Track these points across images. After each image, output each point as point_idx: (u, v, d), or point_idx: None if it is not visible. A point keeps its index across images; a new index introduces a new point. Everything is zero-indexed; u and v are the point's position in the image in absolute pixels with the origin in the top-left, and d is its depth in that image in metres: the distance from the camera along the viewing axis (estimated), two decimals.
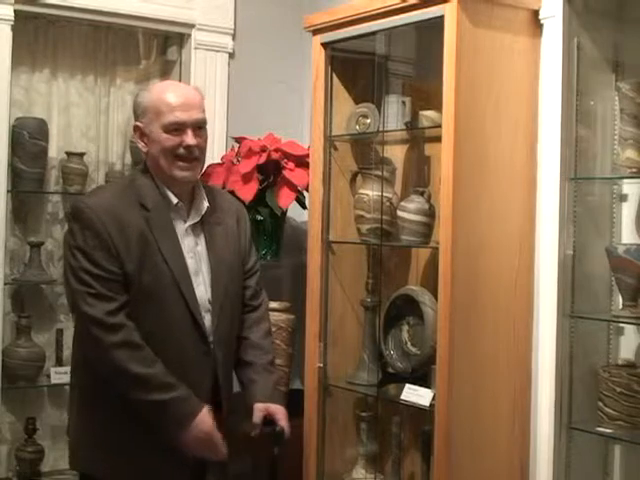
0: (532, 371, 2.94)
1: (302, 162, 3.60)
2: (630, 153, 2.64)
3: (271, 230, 3.73)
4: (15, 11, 3.56)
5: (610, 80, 2.87)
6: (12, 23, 3.56)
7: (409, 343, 3.21)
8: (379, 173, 3.20)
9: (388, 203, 3.19)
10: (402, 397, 3.03)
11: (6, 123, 3.60)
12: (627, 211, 2.87)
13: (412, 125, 3.13)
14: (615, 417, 2.66)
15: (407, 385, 3.04)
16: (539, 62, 2.92)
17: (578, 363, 2.84)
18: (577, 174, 2.83)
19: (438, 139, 2.87)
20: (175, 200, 2.57)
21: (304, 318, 3.39)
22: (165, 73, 4.14)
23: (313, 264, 3.34)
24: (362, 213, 3.25)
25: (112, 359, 2.42)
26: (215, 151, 3.84)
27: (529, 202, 2.94)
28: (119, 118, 4.11)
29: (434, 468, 2.88)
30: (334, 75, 3.35)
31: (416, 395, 2.98)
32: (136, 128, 2.59)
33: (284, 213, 3.75)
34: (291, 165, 3.63)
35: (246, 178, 3.59)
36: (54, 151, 3.95)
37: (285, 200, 3.63)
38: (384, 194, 3.18)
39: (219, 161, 3.76)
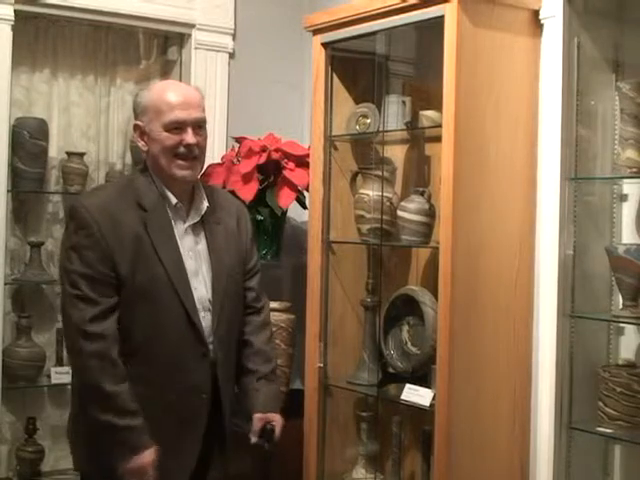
0: (532, 371, 2.94)
1: (302, 162, 3.60)
2: (630, 153, 2.64)
3: (271, 230, 3.73)
4: (15, 11, 3.56)
5: (610, 80, 2.87)
6: (12, 23, 3.56)
7: (409, 343, 3.21)
8: (379, 173, 3.20)
9: (388, 203, 3.19)
10: (402, 397, 3.03)
11: (6, 123, 3.60)
12: (627, 211, 2.87)
13: (412, 125, 3.13)
14: (615, 417, 2.66)
15: (407, 385, 3.04)
16: (539, 62, 2.92)
17: (578, 363, 2.84)
18: (577, 174, 2.83)
19: (438, 139, 2.87)
20: (174, 200, 2.57)
21: (304, 318, 3.39)
22: (165, 73, 4.14)
23: (313, 264, 3.34)
24: (362, 213, 3.25)
25: (83, 367, 2.45)
26: (215, 151, 3.84)
27: (529, 202, 2.94)
28: (119, 118, 4.11)
29: (434, 468, 2.88)
30: (334, 75, 3.35)
31: (416, 395, 2.98)
32: (136, 127, 2.58)
33: (284, 213, 3.75)
34: (291, 165, 3.63)
35: (246, 178, 3.59)
36: (54, 151, 3.95)
37: (285, 200, 3.63)
38: (384, 194, 3.18)
39: (219, 161, 3.76)
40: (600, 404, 2.70)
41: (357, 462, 3.38)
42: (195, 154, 2.56)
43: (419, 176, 3.35)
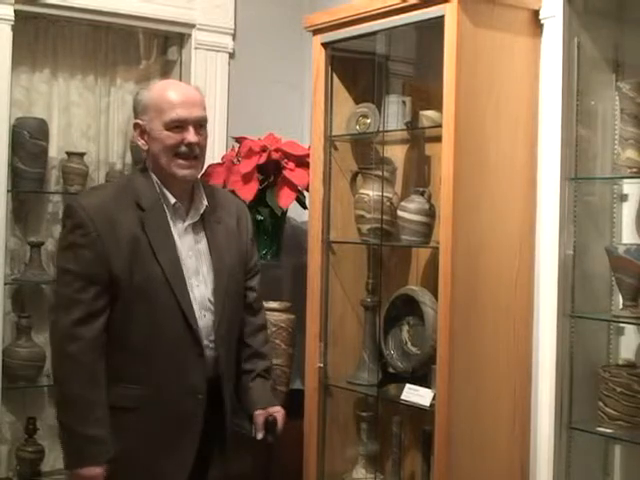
0: (532, 371, 2.94)
1: (302, 162, 3.60)
2: (630, 153, 2.64)
3: (271, 230, 3.73)
4: (15, 11, 3.56)
5: (610, 80, 2.87)
6: (12, 23, 3.56)
7: (409, 343, 3.21)
8: (379, 173, 3.20)
9: (388, 203, 3.19)
10: (402, 397, 3.03)
11: (6, 123, 3.60)
12: (627, 211, 2.87)
13: (412, 125, 3.13)
14: (615, 417, 2.66)
15: (407, 385, 3.04)
16: (539, 62, 2.92)
17: (578, 363, 2.84)
18: (577, 174, 2.83)
19: (438, 139, 2.87)
20: (173, 200, 2.57)
21: (304, 318, 3.39)
22: (165, 73, 4.14)
23: (313, 264, 3.34)
24: (362, 213, 3.25)
25: (57, 366, 2.49)
26: (215, 151, 3.84)
27: (529, 202, 2.94)
28: (119, 118, 4.11)
29: (434, 468, 2.88)
30: (334, 75, 3.35)
31: (416, 395, 2.98)
32: (136, 126, 2.58)
33: (284, 213, 3.75)
34: (291, 165, 3.63)
35: (246, 178, 3.59)
36: (54, 151, 3.95)
37: (285, 200, 3.63)
38: (384, 194, 3.18)
39: (219, 161, 3.77)
40: (600, 404, 2.70)
41: (357, 462, 3.38)
42: (196, 153, 2.56)
43: (419, 176, 3.35)
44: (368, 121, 3.25)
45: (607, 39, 2.86)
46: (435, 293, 2.89)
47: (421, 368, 3.05)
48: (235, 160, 3.68)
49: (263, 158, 3.62)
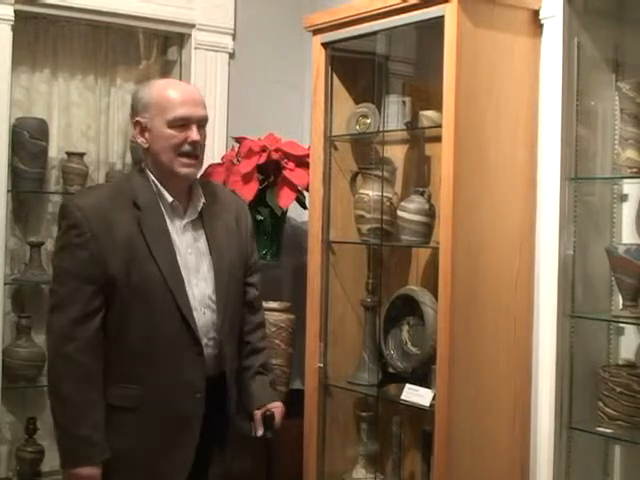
0: (532, 371, 2.94)
1: (302, 162, 3.60)
2: (630, 153, 2.64)
3: (271, 230, 3.73)
4: (15, 11, 3.56)
5: (610, 80, 2.87)
6: (12, 23, 3.56)
7: (409, 343, 3.21)
8: (379, 173, 3.20)
9: (388, 203, 3.19)
10: (402, 397, 3.03)
11: (6, 123, 3.60)
12: (627, 211, 2.87)
13: (412, 125, 3.13)
14: (615, 417, 2.66)
15: (407, 385, 3.04)
16: (539, 62, 2.92)
17: (578, 363, 2.84)
18: (577, 174, 2.83)
19: (438, 139, 2.87)
20: (170, 198, 2.56)
21: (304, 318, 3.39)
22: (165, 73, 4.14)
23: (313, 264, 3.34)
24: (362, 213, 3.25)
25: (51, 366, 2.48)
26: (215, 151, 3.84)
27: (529, 202, 2.94)
28: (119, 118, 4.11)
29: (434, 468, 2.88)
30: (334, 75, 3.35)
31: (416, 395, 2.98)
32: (137, 124, 2.56)
33: (284, 213, 3.75)
34: (291, 165, 3.63)
35: (246, 178, 3.59)
36: (54, 151, 3.95)
37: (285, 200, 3.63)
38: (384, 194, 3.18)
39: (219, 161, 3.76)
40: (600, 404, 2.70)
41: (357, 462, 3.38)
42: (198, 152, 2.56)
43: (419, 176, 3.35)
44: (368, 121, 3.25)
45: (607, 39, 2.86)
46: (435, 293, 2.89)
47: (421, 368, 3.05)
48: (235, 160, 3.68)
49: (263, 158, 3.62)
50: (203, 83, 3.90)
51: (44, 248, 3.89)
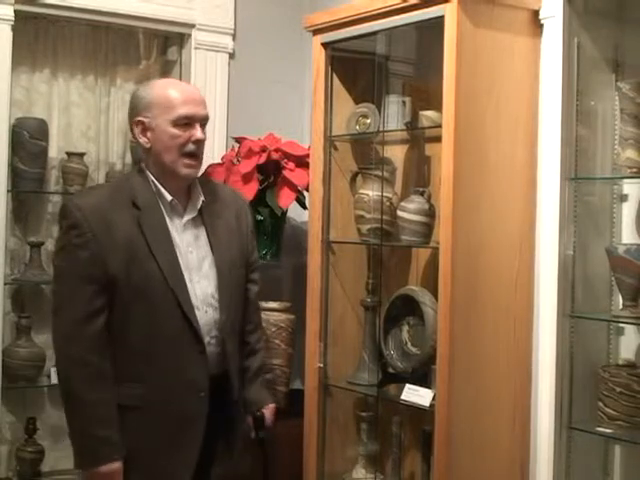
0: (532, 371, 2.94)
1: (302, 162, 3.60)
2: (630, 153, 2.64)
3: (271, 230, 3.73)
4: (15, 11, 3.56)
5: (610, 80, 2.87)
6: (12, 23, 3.56)
7: (409, 343, 3.21)
8: (379, 173, 3.20)
9: (388, 203, 3.19)
10: (402, 397, 3.03)
11: (6, 123, 3.60)
12: (627, 211, 2.87)
13: (412, 125, 3.13)
14: (615, 417, 2.66)
15: (407, 385, 3.04)
16: (539, 62, 2.92)
17: (578, 363, 2.84)
18: (577, 174, 2.83)
19: (438, 139, 2.87)
20: (169, 197, 2.56)
21: (304, 318, 3.39)
22: (165, 73, 4.14)
23: (313, 264, 3.34)
24: (362, 213, 3.25)
25: (63, 369, 2.48)
26: (215, 151, 3.84)
27: (529, 202, 2.94)
28: (119, 118, 4.10)
29: (434, 468, 2.88)
30: (334, 75, 3.35)
31: (416, 395, 2.98)
32: (138, 123, 2.56)
33: (284, 213, 3.75)
34: (291, 165, 3.63)
35: (246, 178, 3.59)
36: (54, 151, 3.95)
37: (285, 200, 3.63)
38: (384, 194, 3.18)
39: (219, 161, 3.76)
40: (600, 404, 2.70)
41: (357, 462, 3.38)
42: (201, 151, 2.57)
43: (419, 176, 3.35)
44: (368, 121, 3.25)
45: (607, 39, 2.86)
46: (435, 293, 2.89)
47: (421, 368, 3.05)
48: (235, 160, 3.68)
49: (263, 158, 3.62)
50: (203, 83, 3.90)
51: (44, 248, 3.89)
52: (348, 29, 3.18)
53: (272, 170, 3.65)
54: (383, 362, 3.24)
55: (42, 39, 3.93)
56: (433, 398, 2.89)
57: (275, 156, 3.63)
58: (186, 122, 2.52)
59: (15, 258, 3.88)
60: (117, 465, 2.45)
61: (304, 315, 3.39)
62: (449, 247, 2.77)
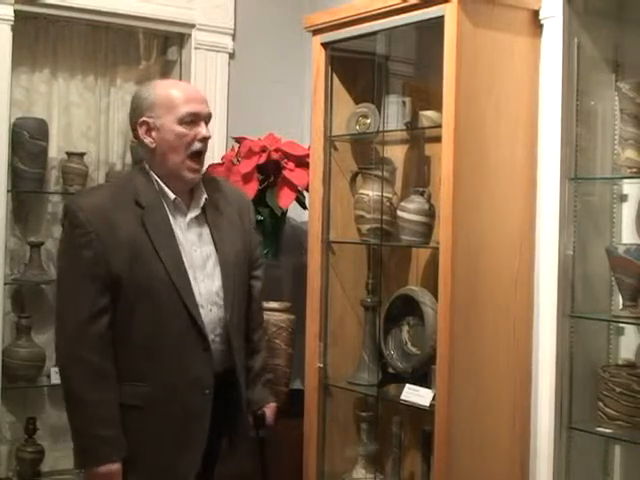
0: (532, 371, 2.94)
1: (302, 162, 3.60)
2: (630, 153, 2.64)
3: (271, 230, 3.73)
4: (15, 11, 3.56)
5: (610, 80, 2.87)
6: (12, 23, 3.56)
7: (409, 343, 3.21)
8: (379, 173, 3.20)
9: (388, 203, 3.19)
10: (402, 397, 3.03)
11: (6, 123, 3.60)
12: (627, 211, 2.87)
13: (412, 125, 3.13)
14: (615, 417, 2.66)
15: (407, 385, 3.04)
16: (539, 62, 2.92)
17: (578, 363, 2.84)
18: (577, 174, 2.83)
19: (438, 139, 2.87)
20: (172, 196, 2.57)
21: (304, 318, 3.39)
22: (165, 73, 4.14)
23: (313, 264, 3.34)
24: (362, 213, 3.25)
25: (67, 367, 2.48)
26: (215, 151, 3.84)
27: (529, 202, 2.94)
28: (119, 118, 4.11)
29: (434, 468, 2.88)
30: (334, 75, 3.35)
31: (416, 395, 2.98)
32: (142, 123, 2.56)
33: (284, 213, 3.75)
34: (291, 165, 3.63)
35: (246, 178, 3.59)
36: (54, 151, 3.95)
37: (285, 200, 3.63)
38: (384, 194, 3.18)
39: (219, 161, 3.77)
40: (600, 404, 2.70)
41: (357, 462, 3.38)
42: (206, 150, 2.58)
43: (419, 176, 3.35)
44: (368, 121, 3.25)
45: (607, 39, 2.86)
46: (435, 293, 2.89)
47: (421, 368, 3.05)
48: (235, 160, 3.68)
49: (263, 158, 3.62)
50: (203, 83, 3.90)
51: (44, 248, 3.89)
52: (348, 29, 3.18)
53: (272, 170, 3.65)
54: (383, 362, 3.24)
55: (42, 39, 3.93)
56: (433, 398, 2.89)
57: (275, 156, 3.63)
58: (192, 120, 2.53)
59: (15, 258, 3.88)
60: (116, 466, 2.45)
61: (304, 315, 3.39)
62: (449, 247, 2.77)
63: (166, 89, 2.57)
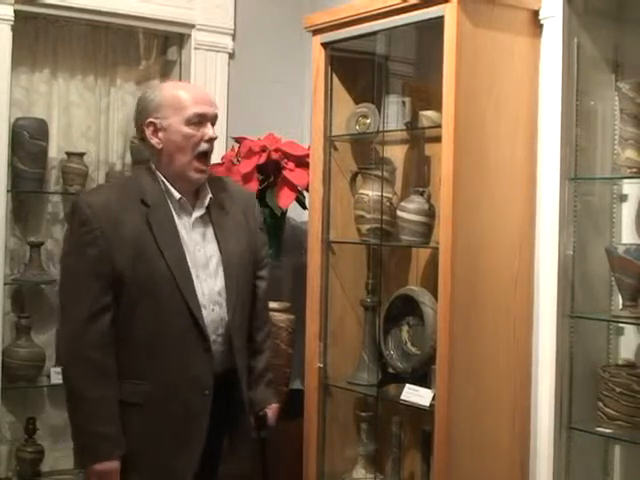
0: (532, 371, 2.94)
1: (302, 162, 3.60)
2: (630, 153, 2.65)
3: (271, 230, 3.72)
4: (15, 11, 3.56)
5: (610, 80, 2.87)
6: (12, 23, 3.56)
7: (409, 343, 3.21)
8: (379, 173, 3.20)
9: (388, 203, 3.19)
10: (402, 397, 3.03)
11: (6, 123, 3.60)
12: (627, 211, 2.87)
13: (412, 125, 3.13)
14: (615, 417, 2.66)
15: (407, 385, 3.04)
16: (539, 62, 2.92)
17: (578, 363, 2.84)
18: (577, 174, 2.83)
19: (438, 139, 2.87)
20: (178, 195, 2.58)
21: (304, 318, 3.39)
22: (165, 73, 4.14)
23: (313, 264, 3.34)
24: (362, 213, 3.25)
25: (68, 364, 2.48)
26: (215, 151, 3.82)
27: (529, 202, 2.94)
28: (119, 118, 4.11)
29: (434, 468, 2.88)
30: (334, 75, 3.35)
31: (416, 395, 2.98)
32: (149, 124, 2.56)
33: (284, 213, 3.75)
34: (291, 165, 3.63)
35: (246, 178, 3.59)
36: (54, 151, 3.95)
37: (285, 200, 3.63)
38: (384, 194, 3.18)
39: (219, 161, 3.76)
40: (600, 404, 2.71)
41: (357, 462, 3.38)
42: (212, 151, 2.59)
43: (419, 176, 3.35)
44: (368, 121, 3.25)
45: (607, 39, 2.86)
46: (435, 293, 2.89)
47: (421, 368, 3.05)
48: (235, 160, 3.69)
49: (263, 158, 3.62)
50: (203, 83, 3.90)
51: (44, 248, 3.89)
52: (348, 29, 3.18)
53: (272, 170, 3.65)
54: (383, 362, 3.24)
55: (42, 39, 3.93)
56: (433, 398, 2.89)
57: (275, 156, 3.63)
58: (199, 120, 2.54)
59: (15, 258, 3.88)
60: (114, 464, 2.45)
61: (304, 315, 3.39)
62: (449, 247, 2.77)
63: (173, 90, 2.58)
